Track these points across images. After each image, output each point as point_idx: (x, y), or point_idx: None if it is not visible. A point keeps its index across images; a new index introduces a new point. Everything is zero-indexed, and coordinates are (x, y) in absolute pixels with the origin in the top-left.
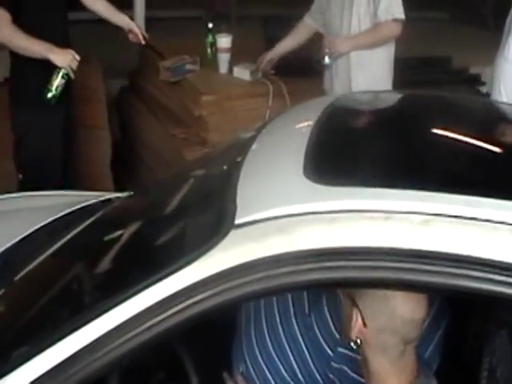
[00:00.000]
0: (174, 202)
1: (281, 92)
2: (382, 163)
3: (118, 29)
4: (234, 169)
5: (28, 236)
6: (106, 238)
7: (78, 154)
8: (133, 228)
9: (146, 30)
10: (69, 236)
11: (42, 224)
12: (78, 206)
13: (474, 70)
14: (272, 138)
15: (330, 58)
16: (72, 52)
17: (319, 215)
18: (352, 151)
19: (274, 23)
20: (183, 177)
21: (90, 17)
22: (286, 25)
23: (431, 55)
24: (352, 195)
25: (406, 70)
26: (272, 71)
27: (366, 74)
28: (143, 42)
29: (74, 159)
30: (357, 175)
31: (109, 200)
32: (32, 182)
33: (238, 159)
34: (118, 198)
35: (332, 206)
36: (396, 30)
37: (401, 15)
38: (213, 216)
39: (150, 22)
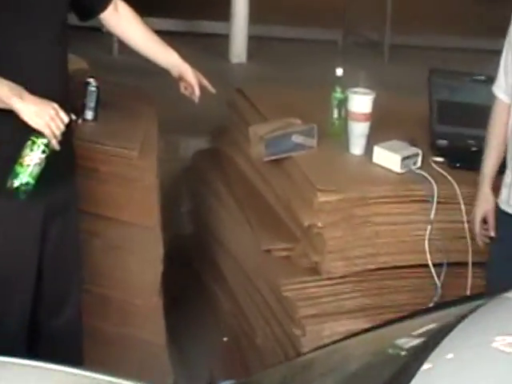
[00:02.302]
0: None
1: (453, 195)
2: None
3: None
4: None
5: None
6: None
7: (97, 271)
8: None
9: (250, 56)
10: None
11: None
12: None
13: None
14: None
15: None
16: (55, 106)
17: None
18: None
19: (443, 77)
20: None
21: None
22: (458, 79)
23: None
24: None
25: None
26: (439, 158)
27: None
28: (196, 100)
29: (75, 282)
30: None
31: None
32: None
33: None
34: None
35: None
36: None
37: None
38: None
39: (261, 41)
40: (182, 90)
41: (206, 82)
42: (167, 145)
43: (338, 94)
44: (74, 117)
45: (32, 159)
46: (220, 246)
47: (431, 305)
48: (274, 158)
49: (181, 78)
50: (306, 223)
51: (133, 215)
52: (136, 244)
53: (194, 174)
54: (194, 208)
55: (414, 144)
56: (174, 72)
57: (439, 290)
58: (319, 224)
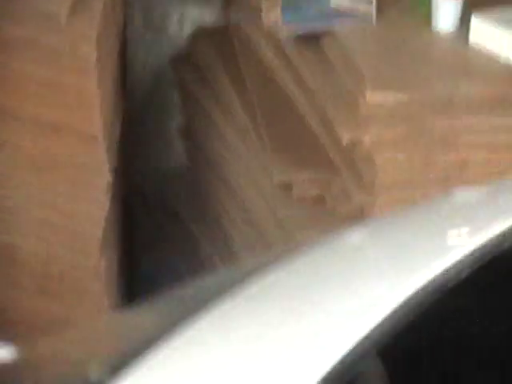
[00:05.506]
0: None
1: None
2: None
3: None
4: None
5: None
6: None
7: None
8: None
9: None
10: None
11: None
12: None
13: None
14: None
15: None
16: None
17: None
18: None
19: None
20: None
21: None
22: None
23: None
24: None
25: None
26: None
27: None
28: None
29: None
30: None
31: None
32: None
33: None
34: None
35: None
36: None
37: None
38: None
39: None
40: None
41: None
42: (145, 16)
43: None
44: None
45: None
46: (216, 179)
47: None
48: (297, 31)
49: None
50: (347, 138)
51: (59, 113)
52: (67, 164)
53: (190, 66)
54: (188, 122)
55: None
56: None
57: None
58: (367, 140)
